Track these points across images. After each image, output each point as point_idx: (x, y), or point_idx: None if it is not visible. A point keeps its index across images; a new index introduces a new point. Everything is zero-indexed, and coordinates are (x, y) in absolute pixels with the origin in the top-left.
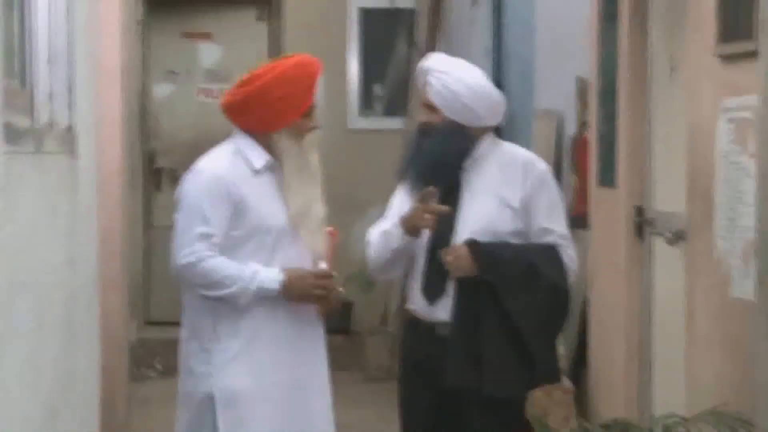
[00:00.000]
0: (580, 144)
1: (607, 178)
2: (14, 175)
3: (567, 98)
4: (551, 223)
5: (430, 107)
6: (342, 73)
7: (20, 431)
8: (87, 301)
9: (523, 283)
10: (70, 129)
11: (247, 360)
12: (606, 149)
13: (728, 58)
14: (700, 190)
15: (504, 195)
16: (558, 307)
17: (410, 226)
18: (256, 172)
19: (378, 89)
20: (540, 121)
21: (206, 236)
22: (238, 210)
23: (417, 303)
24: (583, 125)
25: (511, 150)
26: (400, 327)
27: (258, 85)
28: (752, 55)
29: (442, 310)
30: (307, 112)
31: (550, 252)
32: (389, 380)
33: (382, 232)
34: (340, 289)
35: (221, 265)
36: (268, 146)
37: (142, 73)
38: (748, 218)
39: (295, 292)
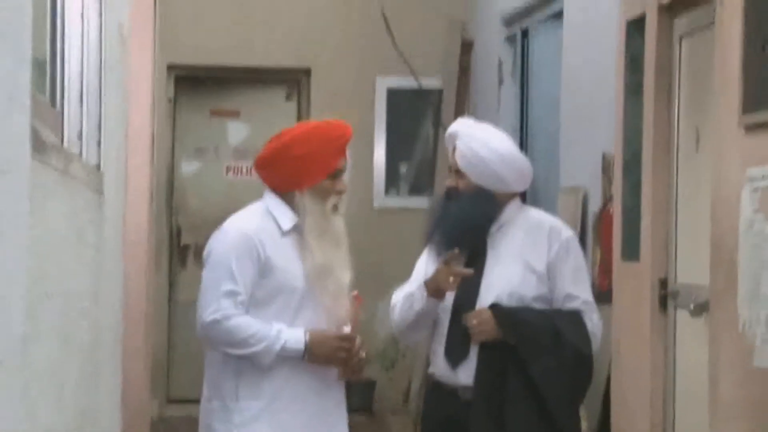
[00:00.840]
0: (604, 219)
1: (631, 251)
2: (41, 185)
3: (592, 174)
4: (576, 289)
5: (457, 172)
6: (368, 151)
7: None
8: (111, 345)
9: (547, 348)
10: (98, 167)
11: (268, 420)
12: (630, 222)
13: (753, 127)
14: (724, 260)
15: (529, 260)
16: (582, 372)
17: (434, 289)
18: (284, 233)
19: (404, 168)
20: (565, 197)
21: (233, 294)
22: (263, 269)
23: (439, 367)
24: (608, 200)
25: (537, 215)
26: (423, 391)
27: (284, 140)
28: None
29: (465, 374)
30: (333, 175)
31: (574, 318)
32: None
33: (407, 294)
34: (363, 354)
35: (246, 323)
36: (295, 207)
37: (171, 149)
38: None
39: (319, 354)
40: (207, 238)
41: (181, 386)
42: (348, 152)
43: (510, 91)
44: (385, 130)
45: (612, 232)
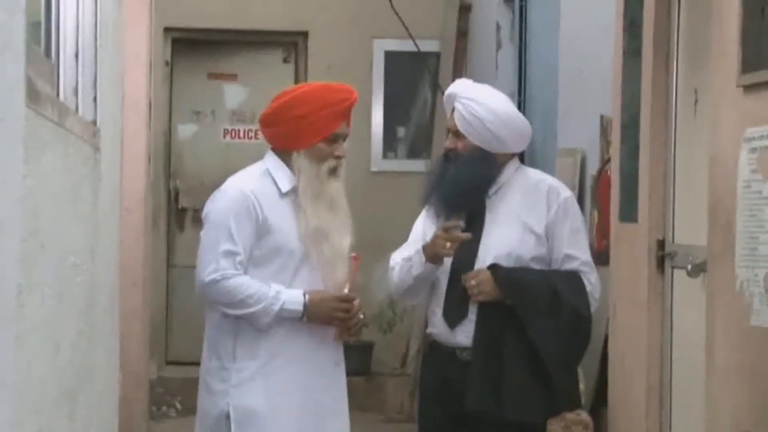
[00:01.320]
0: (602, 181)
1: (629, 212)
2: (36, 135)
3: (590, 137)
4: (574, 250)
5: (456, 133)
6: (366, 115)
7: (38, 404)
8: (108, 304)
9: (545, 309)
10: (94, 123)
11: (264, 381)
12: (628, 184)
13: (751, 88)
14: (721, 221)
15: (528, 221)
16: (579, 333)
17: (431, 254)
18: (283, 194)
19: (401, 131)
20: (563, 160)
21: (231, 254)
22: (260, 230)
23: (438, 327)
24: (605, 163)
25: (536, 176)
26: (420, 353)
27: (286, 99)
28: None
29: (463, 335)
30: (331, 138)
31: (573, 278)
32: (409, 422)
33: (405, 258)
34: (361, 315)
35: (245, 284)
36: (292, 168)
37: (168, 112)
38: None
39: (317, 315)
40: (205, 201)
41: (179, 348)
42: (349, 115)
43: (508, 54)
44: (382, 93)
45: (610, 193)
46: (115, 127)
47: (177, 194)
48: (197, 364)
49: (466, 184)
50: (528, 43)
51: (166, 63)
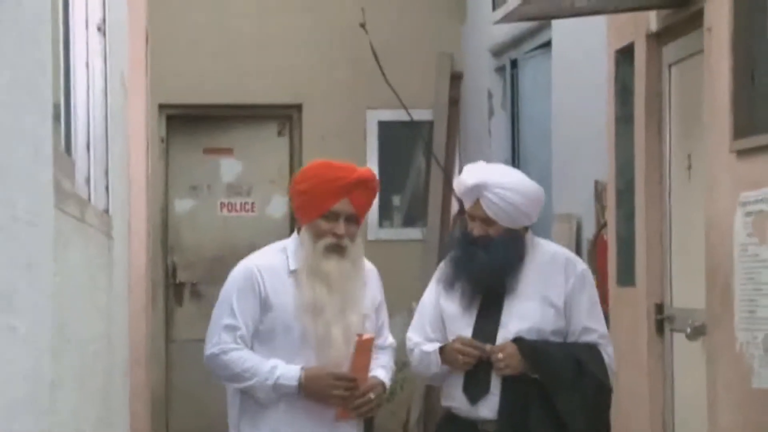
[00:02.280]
0: (598, 245)
1: (626, 277)
2: (62, 233)
3: (585, 202)
4: (592, 323)
5: (486, 220)
6: None
7: None
8: (121, 388)
9: (570, 381)
10: (107, 211)
11: None
12: (624, 249)
13: (744, 153)
14: (719, 284)
15: (547, 294)
16: (604, 404)
17: (448, 362)
18: (291, 272)
19: (396, 200)
20: (559, 225)
21: (232, 328)
22: (263, 306)
23: (458, 401)
24: (602, 227)
25: (550, 248)
26: (421, 421)
27: (296, 174)
28: None
29: (486, 409)
30: (329, 215)
31: (593, 351)
32: None
33: (423, 352)
34: (372, 395)
35: (242, 357)
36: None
37: (164, 188)
38: (767, 309)
39: (313, 391)
40: (203, 275)
41: (180, 423)
42: (359, 197)
43: (500, 121)
44: (377, 162)
45: (607, 258)
46: (123, 212)
47: (174, 269)
48: None
49: (501, 267)
50: (520, 110)
51: (162, 139)
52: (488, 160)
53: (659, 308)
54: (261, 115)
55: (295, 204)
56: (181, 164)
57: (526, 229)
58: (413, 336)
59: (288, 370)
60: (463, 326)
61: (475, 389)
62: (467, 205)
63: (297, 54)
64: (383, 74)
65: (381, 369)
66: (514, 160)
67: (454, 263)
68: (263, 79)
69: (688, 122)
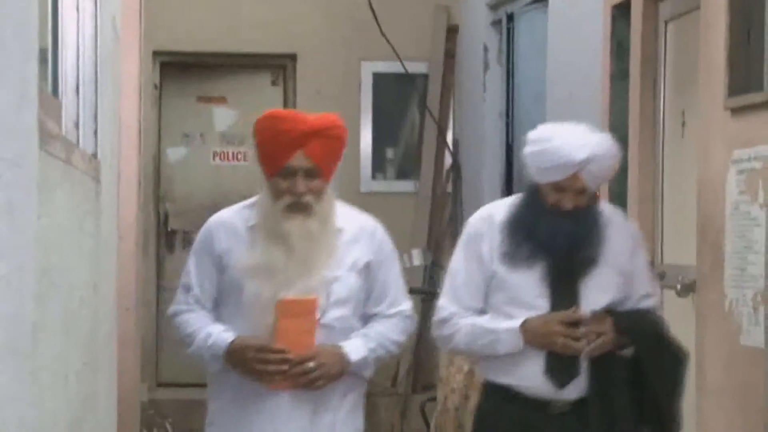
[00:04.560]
0: None
1: None
2: (47, 176)
3: None
4: (651, 287)
5: (581, 191)
6: (355, 136)
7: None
8: (107, 334)
9: (660, 352)
10: (95, 156)
11: (221, 424)
12: (617, 205)
13: (738, 111)
14: (710, 242)
15: (616, 260)
16: (685, 371)
17: (541, 343)
18: (250, 228)
19: (390, 153)
20: None
21: (186, 288)
22: (218, 265)
23: (530, 381)
24: None
25: (609, 208)
26: (411, 374)
27: (255, 125)
28: (762, 106)
29: (570, 390)
30: (284, 173)
31: (661, 318)
32: None
33: (486, 329)
34: (311, 364)
35: (189, 321)
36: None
37: (157, 136)
38: (757, 267)
39: (236, 364)
40: (195, 223)
41: (170, 370)
42: (319, 149)
43: (496, 76)
44: (371, 114)
45: None
46: (113, 158)
47: (167, 217)
48: (188, 385)
49: (592, 237)
50: (516, 65)
51: (155, 86)
52: (483, 113)
53: (650, 264)
54: (255, 64)
55: (257, 159)
56: (174, 112)
57: None
58: (447, 304)
59: (219, 340)
60: (533, 297)
61: (561, 372)
62: (558, 178)
63: (292, 3)
64: (379, 26)
65: (359, 338)
66: (509, 115)
67: (526, 233)
68: (258, 28)
69: (683, 79)
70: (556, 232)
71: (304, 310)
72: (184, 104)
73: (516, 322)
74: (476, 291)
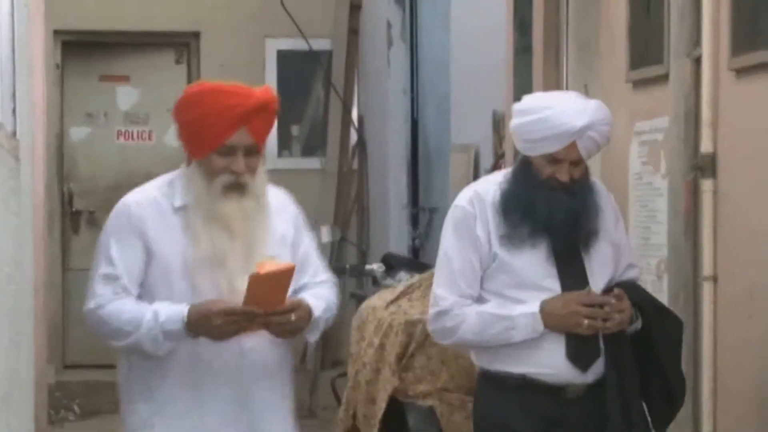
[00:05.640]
0: None
1: None
2: None
3: (483, 132)
4: (633, 258)
5: (576, 162)
6: None
7: None
8: (28, 310)
9: (663, 323)
10: (14, 134)
11: (161, 428)
12: None
13: (639, 83)
14: None
15: (607, 231)
16: (682, 332)
17: (561, 326)
18: (177, 209)
19: (295, 130)
20: (457, 155)
21: (110, 278)
22: (146, 250)
23: (552, 367)
24: (500, 157)
25: (595, 181)
26: (320, 351)
27: (179, 102)
28: (663, 78)
29: (589, 371)
30: (224, 151)
31: (641, 287)
32: (309, 417)
33: (496, 315)
34: (292, 316)
35: (121, 309)
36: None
37: (59, 116)
38: (660, 236)
39: (202, 330)
40: (100, 203)
41: (77, 352)
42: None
43: (399, 51)
44: (276, 92)
45: None
46: (29, 137)
47: (71, 197)
48: (95, 367)
49: (591, 211)
50: (419, 41)
51: (57, 66)
52: (387, 89)
53: None
54: (158, 42)
55: (181, 135)
56: (76, 91)
57: None
58: (446, 294)
59: (172, 312)
60: (542, 278)
61: (583, 354)
62: (554, 148)
63: None
64: (282, 3)
65: (311, 298)
66: (413, 90)
67: (523, 212)
68: (161, 6)
69: (586, 53)
70: (555, 208)
71: (279, 280)
72: (86, 83)
73: (532, 306)
74: (473, 278)
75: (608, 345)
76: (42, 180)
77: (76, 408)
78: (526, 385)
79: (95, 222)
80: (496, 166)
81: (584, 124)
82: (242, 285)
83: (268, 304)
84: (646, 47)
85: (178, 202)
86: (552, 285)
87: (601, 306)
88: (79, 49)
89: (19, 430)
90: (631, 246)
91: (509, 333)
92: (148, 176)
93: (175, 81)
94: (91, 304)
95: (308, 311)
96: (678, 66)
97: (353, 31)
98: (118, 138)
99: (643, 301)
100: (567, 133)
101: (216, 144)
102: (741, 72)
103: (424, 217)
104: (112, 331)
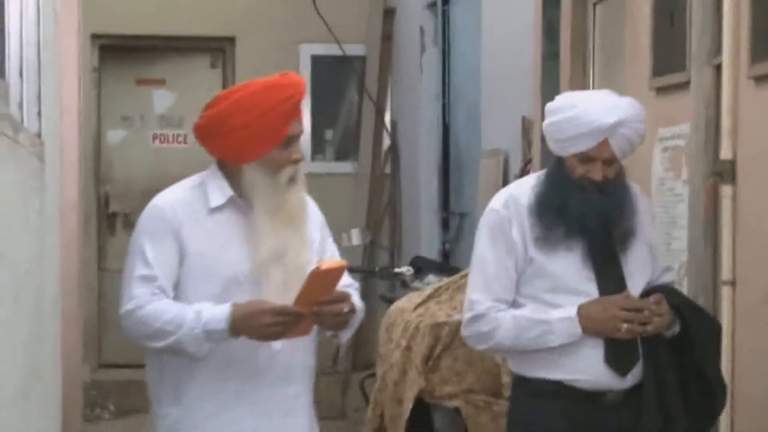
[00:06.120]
0: None
1: None
2: None
3: (512, 137)
4: (667, 261)
5: (610, 161)
6: None
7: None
8: (52, 307)
9: (701, 322)
10: (38, 136)
11: (190, 430)
12: None
13: (662, 90)
14: None
15: (643, 233)
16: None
17: (599, 331)
18: (212, 210)
19: (329, 134)
20: (487, 160)
21: (147, 279)
22: (180, 251)
23: (590, 373)
24: (527, 163)
25: (632, 183)
26: (351, 352)
27: (222, 108)
28: (685, 86)
29: (615, 377)
30: (285, 143)
31: (677, 290)
32: (341, 419)
33: (534, 320)
34: (344, 308)
35: (161, 309)
36: (239, 180)
37: (96, 119)
38: (681, 241)
39: (247, 330)
40: (135, 205)
41: (112, 351)
42: (303, 113)
43: (432, 57)
44: (310, 96)
45: None
46: (55, 138)
47: (107, 199)
48: (129, 366)
49: (625, 211)
50: (451, 47)
51: (94, 69)
52: (419, 95)
53: None
54: (194, 46)
55: (228, 141)
56: (113, 95)
57: None
58: (481, 298)
59: (216, 312)
60: (579, 282)
61: (622, 358)
62: (586, 147)
63: None
64: (316, 9)
65: (353, 292)
66: (445, 96)
67: (556, 213)
68: (196, 11)
69: (611, 60)
70: (588, 208)
71: (334, 277)
72: (123, 87)
73: (570, 311)
74: (509, 282)
75: (646, 349)
76: (76, 181)
77: (111, 406)
78: (563, 392)
79: (131, 224)
80: (524, 171)
81: (616, 120)
82: (301, 272)
83: (315, 303)
84: (669, 55)
85: (213, 203)
86: (589, 289)
87: (640, 310)
88: (116, 53)
89: (41, 423)
90: (664, 249)
91: (547, 337)
92: (182, 179)
93: (210, 85)
94: (129, 306)
95: (353, 306)
96: (699, 74)
97: (387, 37)
98: (153, 141)
99: (681, 304)
100: (598, 130)
101: (280, 138)
102: (760, 80)
103: (454, 221)
104: (152, 332)
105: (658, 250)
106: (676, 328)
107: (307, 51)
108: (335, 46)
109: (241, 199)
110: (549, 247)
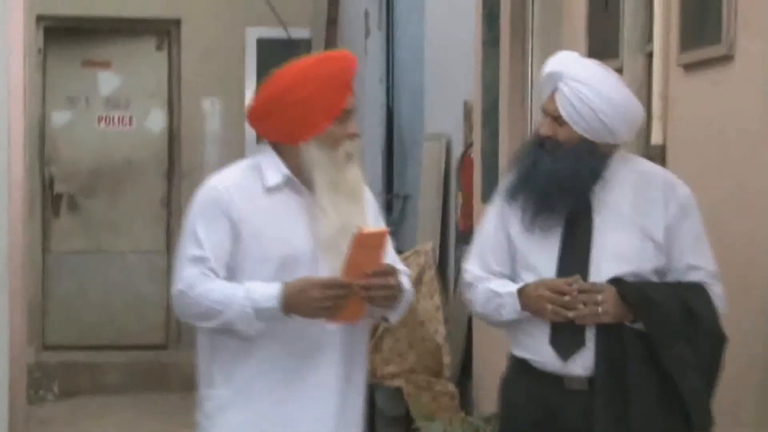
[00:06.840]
0: (465, 164)
1: (490, 194)
2: None
3: (455, 122)
4: (698, 259)
5: (556, 119)
6: (239, 102)
7: None
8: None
9: (681, 332)
10: None
11: (240, 411)
12: (489, 167)
13: None
14: None
15: (645, 224)
16: (718, 357)
17: (533, 310)
18: (269, 190)
19: None
20: (429, 144)
21: (199, 260)
22: (234, 232)
23: (540, 354)
24: (468, 147)
25: (647, 167)
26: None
27: (277, 87)
28: (618, 72)
29: (577, 364)
30: (342, 118)
31: (702, 293)
32: None
33: (492, 292)
34: (392, 281)
35: (211, 288)
36: (295, 160)
37: (41, 100)
38: None
39: (298, 307)
40: (80, 187)
41: (56, 333)
42: (355, 84)
43: (376, 41)
44: (255, 80)
45: (472, 176)
46: (3, 120)
47: (52, 181)
48: (74, 348)
49: (566, 179)
50: (395, 31)
51: (39, 51)
52: (363, 78)
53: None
54: (140, 28)
55: (286, 119)
56: (58, 76)
57: (616, 146)
58: (473, 268)
59: (266, 290)
60: (542, 262)
61: (566, 342)
62: (544, 98)
63: None
64: None
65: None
66: (389, 80)
67: (516, 168)
68: None
69: (549, 46)
70: (533, 165)
71: (378, 243)
72: (68, 69)
73: (516, 286)
74: (500, 253)
75: (600, 339)
76: (21, 162)
77: (55, 388)
78: (531, 370)
79: (76, 205)
80: (465, 155)
81: (549, 71)
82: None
83: (364, 275)
84: (603, 42)
85: (270, 182)
86: (548, 270)
87: (563, 294)
88: (62, 34)
89: None
90: (701, 247)
91: (499, 310)
92: (127, 161)
93: (156, 67)
94: (180, 286)
95: (400, 284)
96: (631, 61)
97: (332, 20)
98: (99, 123)
99: (669, 306)
100: (542, 79)
101: (336, 112)
102: (689, 67)
103: (398, 203)
104: (203, 311)
105: (682, 245)
106: (638, 326)
107: (254, 34)
108: (281, 30)
109: (297, 179)
110: (525, 226)
